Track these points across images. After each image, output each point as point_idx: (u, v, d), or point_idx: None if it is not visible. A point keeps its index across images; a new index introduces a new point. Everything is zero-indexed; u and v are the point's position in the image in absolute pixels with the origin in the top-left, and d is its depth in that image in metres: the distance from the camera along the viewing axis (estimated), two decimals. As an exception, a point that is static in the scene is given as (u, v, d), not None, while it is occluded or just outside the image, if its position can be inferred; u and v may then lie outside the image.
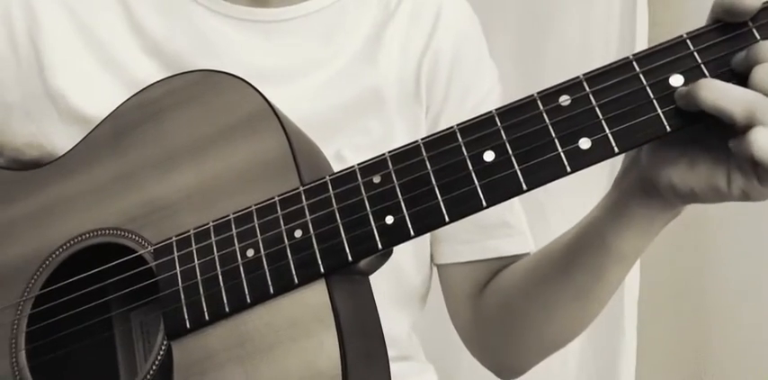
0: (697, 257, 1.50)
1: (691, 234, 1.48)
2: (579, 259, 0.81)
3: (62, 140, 0.89)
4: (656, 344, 1.54)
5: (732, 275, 1.45)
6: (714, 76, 0.58)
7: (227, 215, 0.71)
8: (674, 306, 1.54)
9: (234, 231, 0.70)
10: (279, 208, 0.69)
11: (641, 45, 1.52)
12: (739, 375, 1.44)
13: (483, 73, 1.01)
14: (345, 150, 0.87)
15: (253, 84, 0.76)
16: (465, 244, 0.97)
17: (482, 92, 0.98)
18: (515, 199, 0.97)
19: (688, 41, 0.59)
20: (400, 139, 0.86)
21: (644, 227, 0.73)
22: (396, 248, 0.70)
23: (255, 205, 0.70)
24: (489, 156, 0.62)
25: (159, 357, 0.72)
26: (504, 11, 1.63)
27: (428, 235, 0.99)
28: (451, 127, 0.64)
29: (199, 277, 0.71)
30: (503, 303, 0.93)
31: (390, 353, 0.72)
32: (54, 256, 0.81)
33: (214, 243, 0.71)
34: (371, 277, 0.72)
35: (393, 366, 0.72)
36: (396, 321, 0.98)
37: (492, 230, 0.97)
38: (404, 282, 0.98)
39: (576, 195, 1.44)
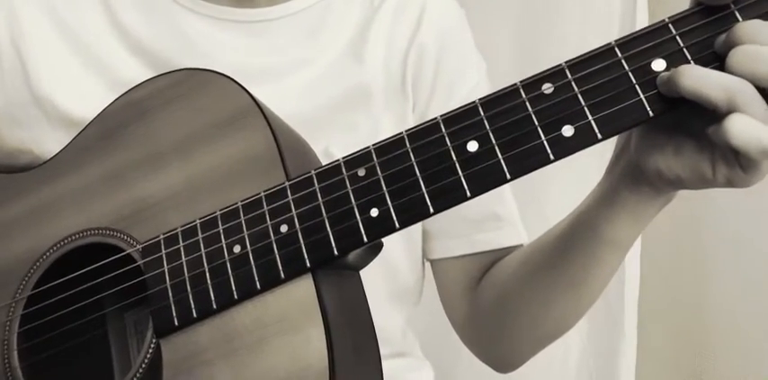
0: (697, 258, 1.49)
1: (690, 234, 1.47)
2: (572, 248, 0.80)
3: (52, 144, 0.89)
4: (656, 344, 1.53)
5: (732, 275, 1.45)
6: (696, 59, 0.57)
7: (214, 212, 0.71)
8: (674, 306, 1.53)
9: (221, 228, 0.70)
10: (265, 203, 0.69)
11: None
12: (739, 375, 1.43)
13: (469, 67, 1.00)
14: (333, 148, 0.87)
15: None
16: (456, 238, 0.97)
17: (468, 86, 0.98)
18: (507, 191, 0.97)
19: (670, 25, 0.58)
20: (387, 134, 0.87)
21: (636, 213, 0.72)
22: (388, 245, 0.70)
23: (242, 201, 0.70)
24: (473, 146, 0.62)
25: (148, 355, 0.72)
26: (503, 11, 1.63)
27: (420, 231, 0.99)
28: (435, 118, 0.64)
29: (186, 275, 0.70)
30: (498, 295, 0.93)
31: (385, 350, 0.71)
32: (45, 256, 0.81)
33: (201, 240, 0.71)
34: (363, 276, 0.71)
35: (388, 363, 0.71)
36: (389, 317, 0.98)
37: (482, 223, 0.96)
38: (396, 279, 0.98)
39: (572, 186, 1.44)
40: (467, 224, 0.96)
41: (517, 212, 1.00)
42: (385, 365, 0.70)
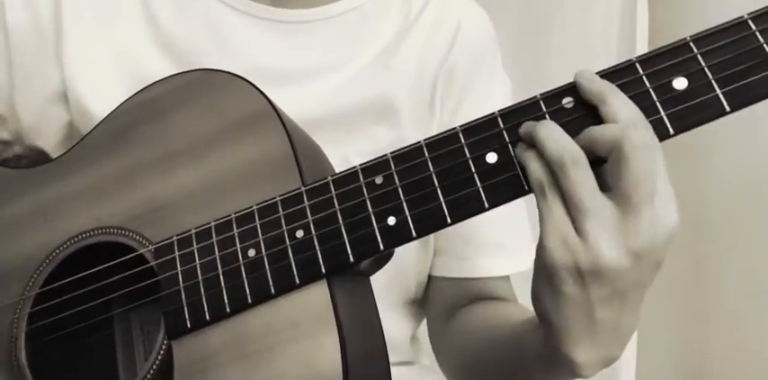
0: (697, 258, 1.49)
1: (690, 235, 1.47)
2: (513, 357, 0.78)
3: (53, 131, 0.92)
4: (656, 344, 1.54)
5: (732, 275, 1.45)
6: (718, 79, 0.58)
7: (229, 215, 0.71)
8: (674, 306, 1.53)
9: (235, 231, 0.70)
10: (280, 208, 0.69)
11: (641, 45, 1.52)
12: (739, 376, 1.44)
13: (494, 90, 1.00)
14: (352, 155, 0.87)
15: (263, 83, 0.75)
16: (456, 261, 0.97)
17: (492, 108, 0.97)
18: (524, 215, 0.97)
19: (691, 44, 0.59)
20: None
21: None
22: (403, 256, 0.69)
23: (257, 205, 0.70)
24: (492, 157, 0.62)
25: (160, 357, 0.71)
26: (504, 11, 1.62)
27: (433, 245, 0.98)
28: (454, 128, 0.64)
29: (200, 277, 0.70)
30: (458, 343, 0.93)
31: (392, 358, 0.71)
32: (55, 254, 0.81)
33: (215, 243, 0.71)
34: (375, 284, 0.72)
35: (396, 370, 0.71)
36: (398, 326, 0.99)
37: (485, 248, 0.96)
38: (408, 289, 0.98)
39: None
40: (470, 249, 0.96)
41: (530, 235, 0.99)
42: (393, 371, 0.71)
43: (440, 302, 0.99)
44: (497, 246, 0.96)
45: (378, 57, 0.94)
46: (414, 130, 0.93)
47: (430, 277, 1.00)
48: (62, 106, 0.91)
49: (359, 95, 0.91)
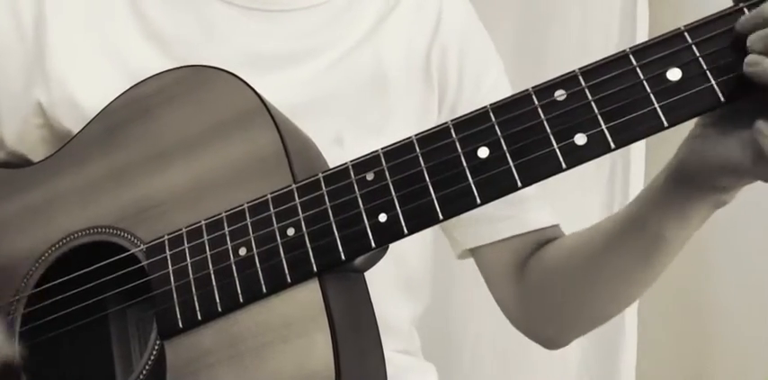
0: (697, 257, 1.49)
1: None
2: (623, 243, 0.81)
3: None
4: (656, 344, 1.53)
5: (732, 275, 1.45)
6: (711, 69, 0.57)
7: (220, 213, 0.71)
8: (674, 306, 1.53)
9: (226, 230, 0.70)
10: (271, 206, 0.68)
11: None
12: (739, 376, 1.43)
13: (489, 62, 1.01)
14: (345, 133, 0.87)
15: (252, 70, 0.75)
16: (505, 221, 0.95)
17: (492, 76, 0.99)
18: None
19: (685, 34, 0.58)
20: (400, 124, 0.85)
21: (683, 216, 0.73)
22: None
23: (248, 203, 0.70)
24: (484, 152, 0.62)
25: (152, 357, 0.71)
26: (504, 10, 1.63)
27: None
28: (446, 123, 0.64)
29: (191, 276, 0.70)
30: (546, 280, 0.92)
31: (392, 345, 0.71)
32: (47, 254, 0.80)
33: (206, 242, 0.70)
34: (374, 269, 0.71)
35: (395, 359, 0.71)
36: (397, 310, 0.97)
37: (525, 203, 0.95)
38: (405, 268, 0.97)
39: (576, 195, 1.44)
40: (511, 206, 0.94)
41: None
42: (390, 359, 0.70)
43: (499, 269, 0.97)
44: (536, 198, 0.96)
45: (363, 37, 0.94)
46: (403, 104, 0.93)
47: (475, 250, 0.98)
48: (43, 110, 0.90)
49: (347, 76, 0.92)
